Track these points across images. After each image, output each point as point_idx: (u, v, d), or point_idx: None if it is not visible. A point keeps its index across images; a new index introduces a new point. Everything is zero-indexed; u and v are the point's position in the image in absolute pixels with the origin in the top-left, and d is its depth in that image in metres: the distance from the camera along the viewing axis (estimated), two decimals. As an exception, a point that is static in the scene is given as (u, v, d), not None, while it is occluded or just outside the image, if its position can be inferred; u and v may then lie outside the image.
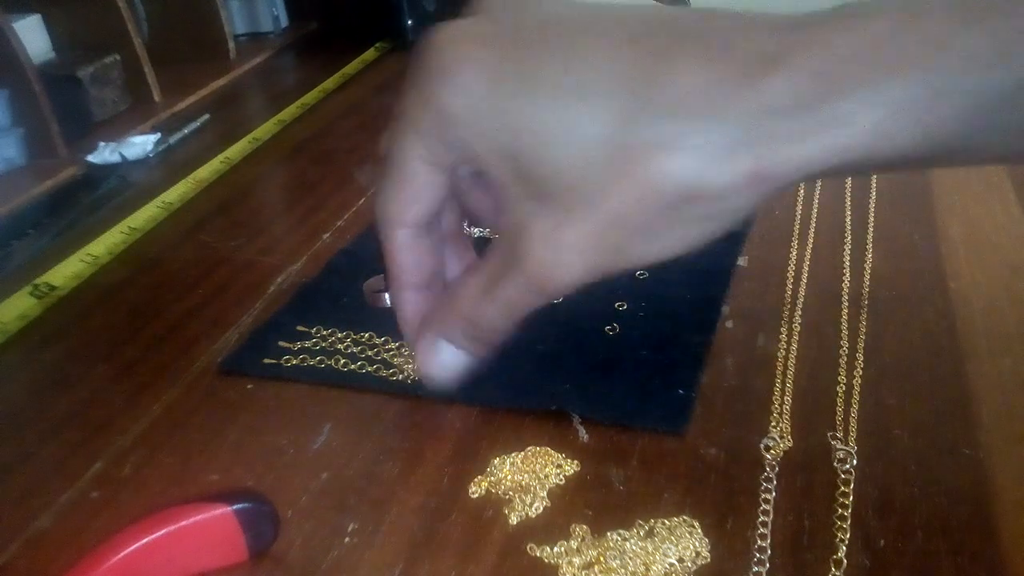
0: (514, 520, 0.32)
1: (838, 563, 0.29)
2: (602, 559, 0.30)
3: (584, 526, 0.31)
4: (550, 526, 0.31)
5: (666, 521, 0.31)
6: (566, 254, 0.25)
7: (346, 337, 0.42)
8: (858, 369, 0.38)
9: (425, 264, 0.30)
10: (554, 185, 0.24)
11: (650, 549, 0.30)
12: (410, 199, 0.28)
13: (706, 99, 0.22)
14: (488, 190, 0.28)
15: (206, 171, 0.66)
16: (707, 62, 0.22)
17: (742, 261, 0.47)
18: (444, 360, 0.30)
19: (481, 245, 0.31)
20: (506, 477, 0.33)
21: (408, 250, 0.29)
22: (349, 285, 0.47)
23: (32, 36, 0.76)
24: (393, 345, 0.42)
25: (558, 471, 0.34)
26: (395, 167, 0.27)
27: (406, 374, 0.39)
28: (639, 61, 0.23)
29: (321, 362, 0.41)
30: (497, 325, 0.28)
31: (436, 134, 0.26)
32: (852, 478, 0.32)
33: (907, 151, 0.21)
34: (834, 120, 0.21)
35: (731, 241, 0.48)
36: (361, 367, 0.40)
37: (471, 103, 0.25)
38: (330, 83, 0.86)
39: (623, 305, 0.43)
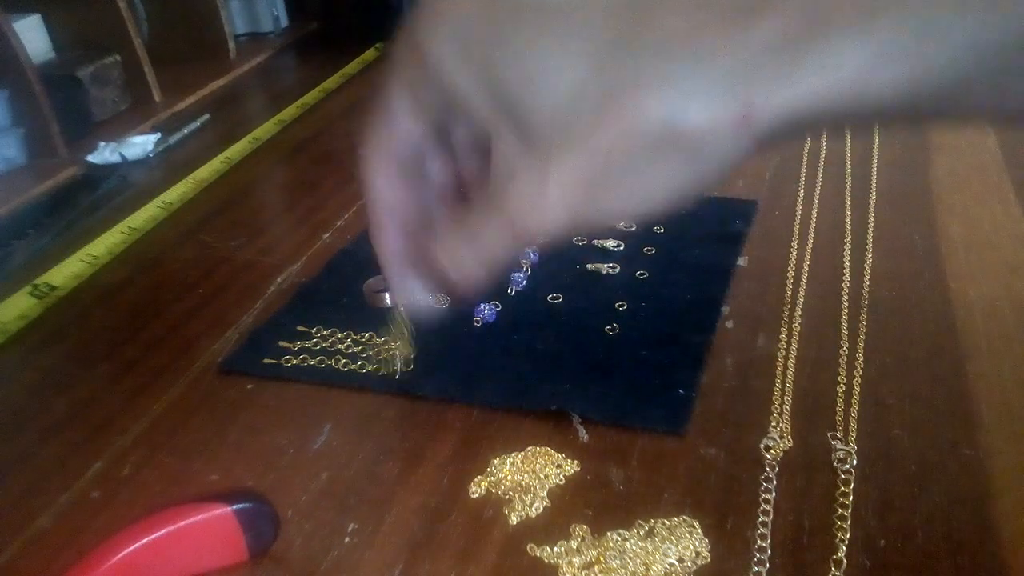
0: (514, 520, 0.32)
1: (838, 563, 0.29)
2: (602, 559, 0.30)
3: (584, 526, 0.31)
4: (550, 526, 0.31)
5: (666, 521, 0.31)
6: (547, 195, 0.24)
7: (346, 337, 0.42)
8: (858, 369, 0.38)
9: (404, 204, 0.30)
10: (538, 124, 0.24)
11: (650, 549, 0.30)
12: (389, 136, 0.28)
13: (693, 39, 0.22)
14: (478, 150, 0.29)
15: (206, 171, 0.66)
16: (694, 5, 0.23)
17: (742, 261, 0.47)
18: (419, 299, 0.30)
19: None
20: (506, 477, 0.33)
21: (385, 186, 0.29)
22: (349, 285, 0.47)
23: (32, 36, 0.76)
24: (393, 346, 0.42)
25: (558, 471, 0.34)
26: (379, 109, 0.28)
27: (403, 367, 0.39)
28: (627, 4, 0.23)
29: (321, 362, 0.41)
30: (473, 272, 0.28)
31: (421, 76, 0.26)
32: (852, 478, 0.32)
33: (897, 96, 0.21)
34: (821, 60, 0.21)
35: (731, 241, 0.48)
36: (361, 367, 0.40)
37: (456, 44, 0.25)
38: (330, 83, 0.86)
39: (623, 305, 0.43)
